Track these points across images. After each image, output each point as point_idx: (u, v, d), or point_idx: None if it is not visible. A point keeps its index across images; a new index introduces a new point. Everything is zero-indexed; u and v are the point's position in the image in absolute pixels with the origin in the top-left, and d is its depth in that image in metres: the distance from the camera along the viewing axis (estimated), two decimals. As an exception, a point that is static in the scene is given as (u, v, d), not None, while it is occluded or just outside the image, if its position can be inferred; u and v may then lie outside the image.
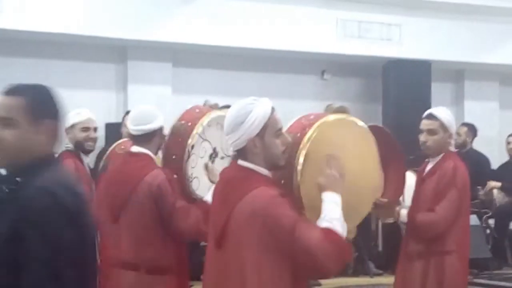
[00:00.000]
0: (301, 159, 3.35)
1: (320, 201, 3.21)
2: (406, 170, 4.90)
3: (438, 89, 10.66)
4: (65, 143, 5.26)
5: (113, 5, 8.76)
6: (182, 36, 9.08)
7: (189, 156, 4.43)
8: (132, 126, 4.34)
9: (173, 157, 4.44)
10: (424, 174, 5.08)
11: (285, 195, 3.15)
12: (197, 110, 4.61)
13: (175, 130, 4.50)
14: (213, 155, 4.59)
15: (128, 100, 9.28)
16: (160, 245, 4.20)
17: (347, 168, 3.33)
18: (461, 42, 10.34)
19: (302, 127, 3.48)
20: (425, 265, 4.94)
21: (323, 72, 10.57)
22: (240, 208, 3.12)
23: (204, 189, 4.50)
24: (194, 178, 4.46)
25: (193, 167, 4.47)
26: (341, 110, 5.16)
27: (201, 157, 4.49)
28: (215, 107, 4.80)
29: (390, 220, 4.84)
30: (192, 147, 4.44)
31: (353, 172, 3.48)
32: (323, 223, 3.10)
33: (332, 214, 3.13)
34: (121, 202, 4.21)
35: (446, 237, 4.92)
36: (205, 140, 4.51)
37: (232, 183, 3.24)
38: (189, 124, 4.47)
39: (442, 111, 5.09)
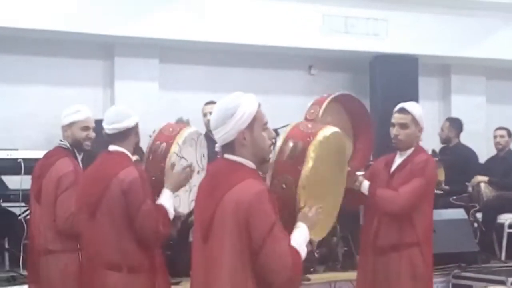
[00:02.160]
0: (310, 164, 3.37)
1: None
2: (373, 139, 5.00)
3: (425, 84, 10.68)
4: (59, 140, 5.22)
5: (100, 1, 8.72)
6: (169, 32, 9.05)
7: None
8: (106, 125, 4.41)
9: (153, 178, 4.46)
10: (394, 168, 5.13)
11: (271, 192, 3.18)
12: (171, 129, 4.65)
13: (152, 151, 4.54)
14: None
15: (115, 97, 9.24)
16: (136, 242, 4.20)
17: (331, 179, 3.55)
18: (447, 37, 10.35)
19: (304, 135, 3.47)
20: (397, 258, 5.00)
21: (310, 67, 10.56)
22: (227, 199, 3.14)
23: (185, 206, 4.58)
24: (175, 196, 4.49)
25: None
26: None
27: None
28: (187, 123, 4.84)
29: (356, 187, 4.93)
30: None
31: (334, 180, 3.66)
32: (294, 243, 3.20)
33: (302, 243, 3.25)
34: (96, 200, 4.22)
35: (414, 229, 5.00)
36: (182, 158, 4.56)
37: (219, 176, 3.25)
38: (165, 144, 4.51)
39: (413, 106, 5.20)
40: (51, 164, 5.08)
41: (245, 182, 3.14)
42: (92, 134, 5.20)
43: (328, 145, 3.50)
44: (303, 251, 3.22)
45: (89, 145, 5.21)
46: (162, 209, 4.27)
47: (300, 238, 3.26)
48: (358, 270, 5.36)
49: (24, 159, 6.74)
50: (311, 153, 3.36)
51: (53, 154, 5.18)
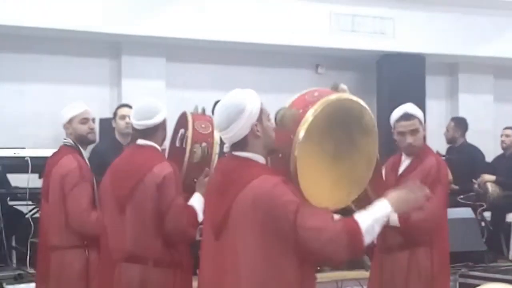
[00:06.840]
0: (301, 134, 3.25)
1: (315, 175, 3.27)
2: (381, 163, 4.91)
3: (432, 83, 10.67)
4: (63, 139, 5.25)
5: (107, 0, 8.73)
6: (176, 31, 9.06)
7: None
8: (135, 121, 4.35)
9: (194, 180, 4.44)
10: (401, 171, 5.06)
11: (287, 181, 3.14)
12: (203, 125, 4.57)
13: (193, 153, 4.46)
14: None
15: (122, 95, 9.25)
16: (163, 237, 4.19)
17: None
18: (455, 35, 10.34)
19: (305, 103, 3.40)
20: (408, 257, 4.95)
21: (317, 66, 10.56)
22: (242, 197, 3.11)
23: None
24: None
25: None
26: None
27: None
28: (203, 113, 4.80)
29: None
30: None
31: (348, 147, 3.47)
32: (357, 214, 3.13)
33: (372, 214, 3.14)
34: (128, 193, 4.19)
35: None
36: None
37: (231, 174, 3.22)
38: (205, 144, 4.46)
39: (414, 108, 5.14)
40: (55, 162, 5.11)
41: (259, 178, 3.11)
42: (93, 125, 5.23)
43: (329, 113, 3.37)
44: (367, 221, 3.10)
45: (94, 136, 5.28)
46: (192, 210, 4.23)
47: (372, 211, 3.16)
48: (370, 269, 5.36)
49: (31, 158, 6.74)
50: (304, 123, 3.26)
51: (58, 153, 5.22)
